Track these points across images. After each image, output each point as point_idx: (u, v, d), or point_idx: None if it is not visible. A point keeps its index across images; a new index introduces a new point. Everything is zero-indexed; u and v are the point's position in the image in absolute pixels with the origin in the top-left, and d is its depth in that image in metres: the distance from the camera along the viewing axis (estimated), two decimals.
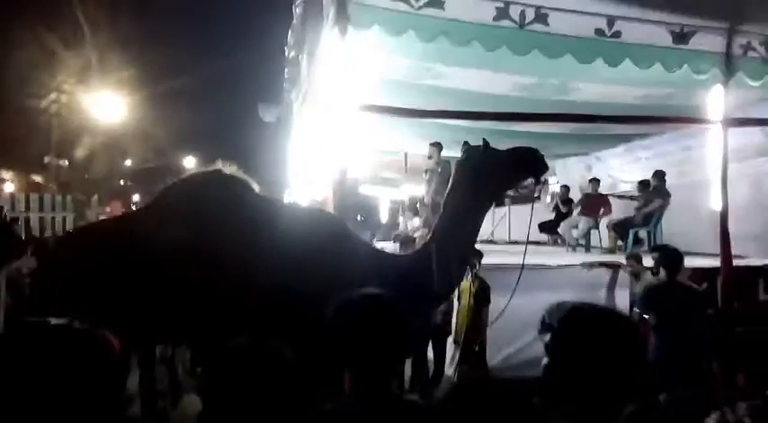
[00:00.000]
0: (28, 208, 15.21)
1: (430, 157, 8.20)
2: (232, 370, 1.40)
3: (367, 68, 5.63)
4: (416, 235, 8.12)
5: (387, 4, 4.37)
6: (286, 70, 10.15)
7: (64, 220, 16.49)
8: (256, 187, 3.13)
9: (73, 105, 20.67)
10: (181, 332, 2.99)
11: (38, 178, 24.51)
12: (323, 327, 1.54)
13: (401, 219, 11.00)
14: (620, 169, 10.55)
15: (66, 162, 23.10)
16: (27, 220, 14.28)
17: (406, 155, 11.30)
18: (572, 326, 1.25)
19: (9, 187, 22.27)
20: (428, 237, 3.60)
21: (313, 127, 6.65)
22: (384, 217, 13.76)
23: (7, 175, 24.07)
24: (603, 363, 1.21)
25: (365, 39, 4.64)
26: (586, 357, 1.22)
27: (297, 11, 7.14)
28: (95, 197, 24.12)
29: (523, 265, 3.82)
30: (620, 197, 8.77)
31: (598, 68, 5.03)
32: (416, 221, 9.47)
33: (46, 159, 21.81)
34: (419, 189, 9.50)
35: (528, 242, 4.18)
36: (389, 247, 7.60)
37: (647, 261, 5.49)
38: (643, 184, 8.17)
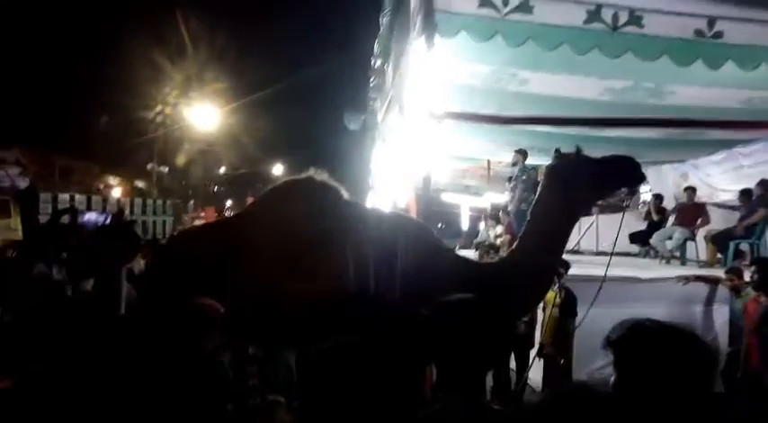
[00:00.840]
0: (132, 211, 16.40)
1: (514, 164, 8.09)
2: (333, 370, 1.48)
3: (452, 75, 5.66)
4: (498, 243, 8.03)
5: (474, 11, 4.38)
6: (371, 79, 10.35)
7: (164, 223, 17.67)
8: (346, 194, 3.22)
9: (175, 116, 22.12)
10: (274, 335, 3.12)
11: (141, 184, 26.38)
12: (417, 330, 1.58)
13: (482, 227, 10.88)
14: (719, 177, 9.89)
15: (167, 169, 24.72)
16: (132, 223, 15.43)
17: (488, 162, 11.20)
18: (632, 342, 1.23)
19: (116, 192, 24.08)
20: (513, 245, 3.55)
21: (397, 135, 6.75)
22: (465, 225, 13.65)
23: (114, 181, 26.07)
24: (669, 379, 1.17)
25: (451, 46, 4.68)
26: (650, 373, 1.19)
27: (383, 20, 7.27)
28: (191, 202, 25.61)
29: (605, 277, 3.65)
30: (720, 206, 8.22)
31: (697, 71, 4.77)
32: (498, 229, 9.35)
33: (149, 166, 23.42)
34: (501, 197, 9.38)
35: (614, 253, 3.98)
36: (470, 254, 7.58)
37: (750, 276, 5.15)
38: (745, 194, 7.64)
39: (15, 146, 18.13)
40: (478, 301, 1.59)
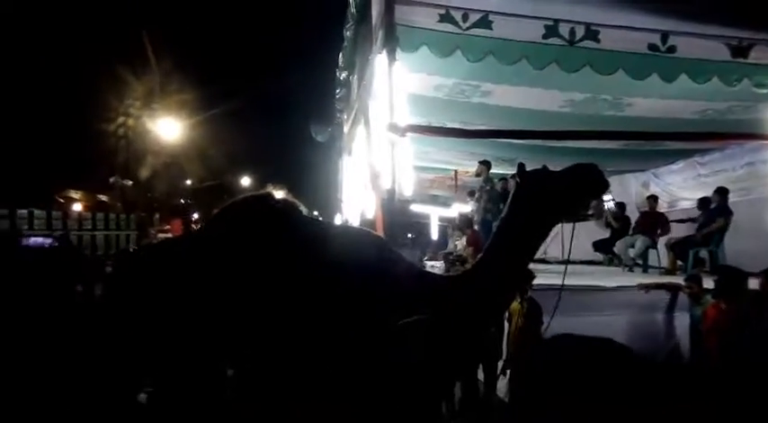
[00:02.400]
0: (95, 226, 15.98)
1: (478, 175, 8.16)
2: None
3: (415, 88, 5.68)
4: (464, 253, 8.06)
5: (435, 26, 4.43)
6: (337, 91, 10.35)
7: (128, 237, 17.26)
8: (304, 210, 3.20)
9: (138, 128, 21.71)
10: (231, 352, 3.07)
11: (104, 197, 25.76)
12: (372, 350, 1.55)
13: (450, 238, 10.92)
14: (679, 186, 10.14)
15: (130, 182, 24.22)
16: (93, 238, 14.99)
17: (455, 173, 11.28)
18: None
19: (77, 207, 23.46)
20: (478, 257, 3.54)
21: (363, 146, 6.74)
22: (434, 235, 13.68)
23: (76, 194, 25.41)
24: None
25: (414, 59, 4.71)
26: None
27: (347, 33, 7.29)
28: (157, 216, 25.10)
29: (563, 286, 3.67)
30: (680, 221, 8.40)
31: (653, 83, 4.91)
32: (465, 240, 9.39)
33: (111, 179, 22.91)
34: (468, 207, 9.43)
35: (578, 261, 4.01)
36: (438, 266, 7.58)
37: (709, 283, 5.27)
38: (704, 202, 7.84)
39: None
40: (431, 321, 1.57)
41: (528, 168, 3.34)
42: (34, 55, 19.19)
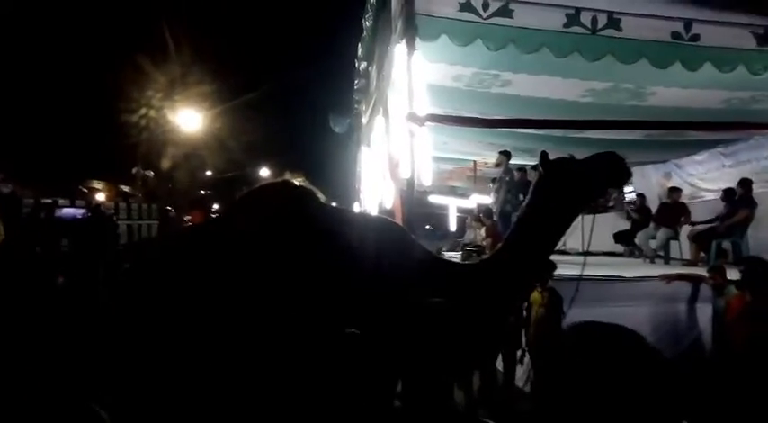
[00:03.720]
0: (117, 216, 16.22)
1: (498, 166, 8.13)
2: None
3: (435, 78, 5.68)
4: (483, 244, 8.05)
5: (454, 15, 4.41)
6: (356, 82, 10.36)
7: (149, 227, 17.50)
8: (322, 197, 3.22)
9: (159, 120, 21.96)
10: (253, 340, 3.12)
11: (125, 188, 26.13)
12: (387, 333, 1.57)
13: (468, 229, 10.91)
14: (701, 177, 10.01)
15: (152, 173, 24.52)
16: (111, 216, 15.22)
17: (474, 163, 11.25)
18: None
19: (100, 196, 23.83)
20: (498, 246, 3.53)
21: (381, 137, 6.76)
22: (453, 226, 13.66)
23: (99, 185, 25.81)
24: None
25: (433, 48, 4.70)
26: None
27: (366, 23, 7.29)
28: (177, 206, 25.42)
29: (581, 275, 3.66)
30: (708, 222, 8.20)
31: (676, 72, 4.85)
32: (483, 231, 9.37)
33: (133, 170, 23.22)
34: (488, 198, 9.40)
35: (589, 252, 3.97)
36: (457, 256, 7.59)
37: (732, 274, 5.21)
38: (728, 193, 7.73)
39: None
40: (448, 305, 1.58)
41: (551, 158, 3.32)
42: (58, 48, 19.47)
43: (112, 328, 2.67)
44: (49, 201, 15.27)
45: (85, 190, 24.05)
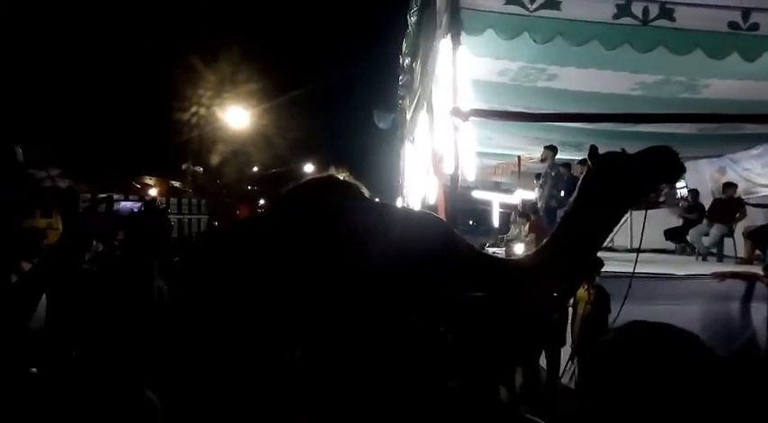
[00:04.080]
0: (168, 210, 16.76)
1: (543, 161, 8.03)
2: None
3: (480, 72, 5.65)
4: (527, 240, 7.98)
5: (500, 8, 4.37)
6: (400, 78, 10.38)
7: (199, 221, 18.02)
8: (366, 192, 3.25)
9: (209, 117, 22.56)
10: (295, 333, 3.21)
11: (176, 183, 26.95)
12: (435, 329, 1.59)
13: (512, 224, 10.82)
14: (757, 172, 9.59)
15: (201, 169, 25.22)
16: (166, 210, 15.74)
17: (519, 158, 11.12)
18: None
19: (152, 192, 24.66)
20: (543, 242, 3.50)
21: (425, 132, 6.77)
22: (496, 222, 13.55)
23: (151, 180, 26.71)
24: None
25: (478, 43, 4.68)
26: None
27: (411, 19, 7.30)
28: (225, 201, 26.06)
29: (634, 272, 3.58)
30: (758, 206, 7.97)
31: (732, 63, 4.66)
32: (528, 227, 9.28)
33: (184, 166, 23.93)
34: (532, 194, 9.30)
35: (649, 250, 3.90)
36: (501, 252, 7.54)
37: None
38: None
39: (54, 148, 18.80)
40: (491, 301, 1.59)
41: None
42: (114, 47, 20.22)
43: (165, 312, 2.78)
44: (105, 196, 15.97)
45: (138, 185, 24.91)
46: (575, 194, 3.34)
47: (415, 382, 2.93)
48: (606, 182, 3.15)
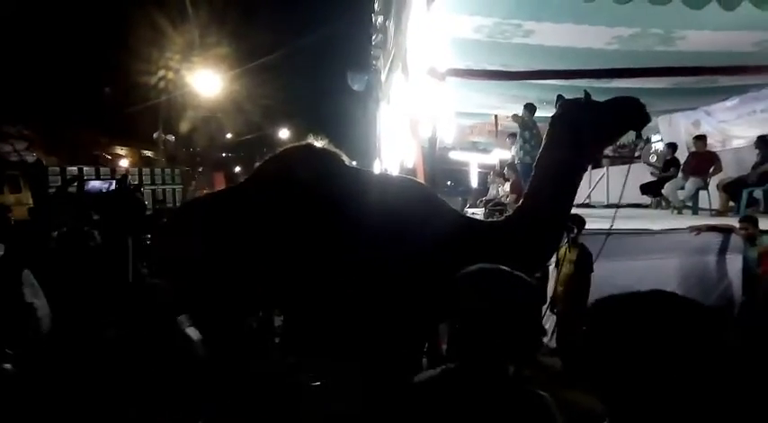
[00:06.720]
0: (141, 181, 16.38)
1: (520, 119, 7.96)
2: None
3: (455, 30, 5.49)
4: (506, 201, 7.97)
5: None
6: (374, 37, 10.14)
7: (174, 191, 17.69)
8: (346, 159, 3.18)
9: (177, 82, 21.88)
10: (276, 299, 3.16)
11: (148, 153, 26.33)
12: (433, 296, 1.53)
13: (491, 185, 10.81)
14: (732, 123, 9.65)
15: (173, 137, 24.62)
16: (138, 188, 15.36)
17: (496, 118, 11.03)
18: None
19: (124, 162, 24.08)
20: (520, 202, 3.48)
21: (401, 93, 6.63)
22: (474, 182, 13.54)
23: (122, 150, 26.04)
24: None
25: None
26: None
27: None
28: (200, 169, 25.61)
29: (611, 229, 3.59)
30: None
31: (709, 14, 4.58)
32: (507, 187, 9.27)
33: (155, 135, 23.32)
34: (509, 153, 9.26)
35: (625, 205, 3.91)
36: (479, 213, 7.53)
37: (765, 224, 5.08)
38: (762, 140, 7.47)
39: (19, 121, 18.17)
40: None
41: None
42: (78, 9, 19.35)
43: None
44: (75, 170, 15.48)
45: (109, 156, 24.30)
46: (543, 142, 3.34)
47: (404, 353, 2.92)
48: (570, 126, 3.16)
